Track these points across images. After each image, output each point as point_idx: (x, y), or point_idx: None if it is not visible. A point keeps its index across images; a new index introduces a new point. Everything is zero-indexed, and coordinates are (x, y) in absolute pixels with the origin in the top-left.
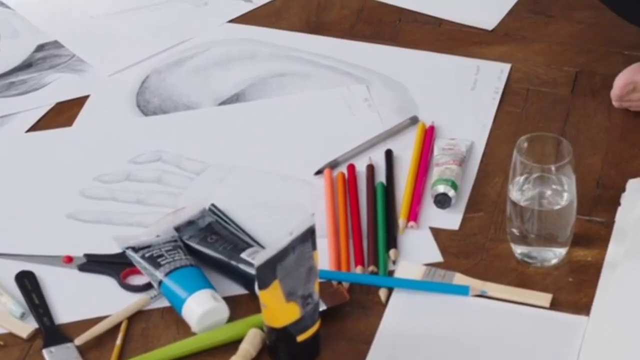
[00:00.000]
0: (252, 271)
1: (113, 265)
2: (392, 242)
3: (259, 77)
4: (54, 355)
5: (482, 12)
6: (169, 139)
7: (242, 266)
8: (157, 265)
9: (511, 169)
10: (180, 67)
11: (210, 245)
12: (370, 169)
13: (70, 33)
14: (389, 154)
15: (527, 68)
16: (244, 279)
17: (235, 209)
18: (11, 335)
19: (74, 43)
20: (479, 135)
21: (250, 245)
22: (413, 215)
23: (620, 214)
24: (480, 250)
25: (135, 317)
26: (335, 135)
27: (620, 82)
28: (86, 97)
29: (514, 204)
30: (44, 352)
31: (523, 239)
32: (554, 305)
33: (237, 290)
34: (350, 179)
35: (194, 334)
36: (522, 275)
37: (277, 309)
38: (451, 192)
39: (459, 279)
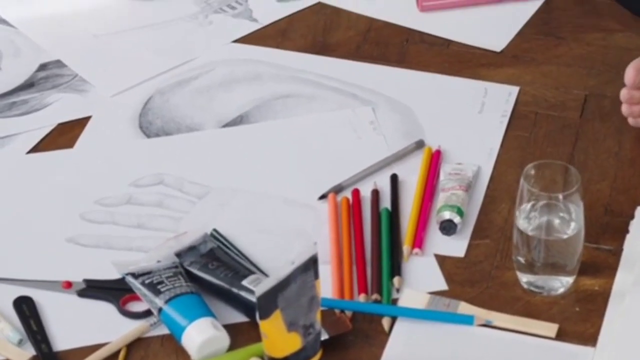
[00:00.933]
0: (254, 299)
1: (112, 291)
2: (396, 269)
3: (264, 98)
4: None
5: (490, 33)
6: (171, 162)
7: (243, 293)
8: (157, 292)
9: (518, 196)
10: (184, 88)
11: (211, 271)
12: (375, 194)
13: (73, 52)
14: (394, 179)
15: (535, 91)
16: (245, 307)
17: (237, 233)
18: None
19: (76, 62)
20: (486, 159)
21: (252, 272)
22: (418, 241)
23: (629, 242)
24: (485, 279)
25: (135, 345)
26: (340, 158)
27: (633, 67)
28: (88, 117)
29: (521, 233)
30: None
31: (529, 268)
32: (560, 336)
33: (238, 317)
34: (355, 204)
35: None
36: (528, 304)
37: (278, 339)
38: (457, 219)
39: (464, 308)
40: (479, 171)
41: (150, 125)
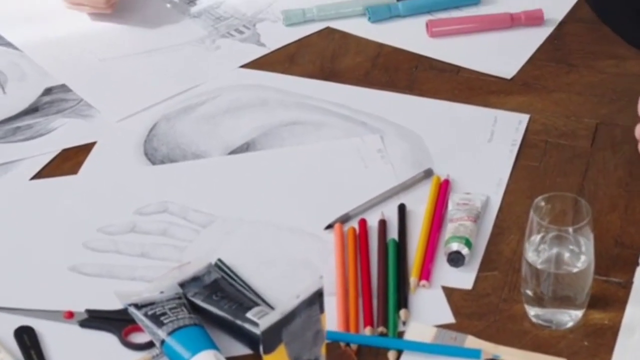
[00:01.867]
0: (258, 331)
1: (115, 322)
2: (402, 301)
3: (271, 125)
4: None
5: (501, 59)
6: (176, 189)
7: (247, 326)
8: (160, 324)
9: (527, 228)
10: (190, 114)
11: (215, 303)
12: (382, 224)
13: (79, 76)
14: (401, 209)
15: (545, 119)
16: (249, 339)
17: (242, 263)
18: None
19: (81, 87)
20: (495, 189)
21: (256, 304)
22: (425, 273)
23: (639, 275)
24: (493, 311)
25: None
26: (348, 187)
27: None
28: (93, 143)
29: (530, 265)
30: None
31: (538, 301)
32: None
33: (242, 350)
34: (362, 235)
35: None
36: (536, 338)
37: None
38: (465, 250)
39: (471, 341)
40: (487, 201)
41: (155, 152)
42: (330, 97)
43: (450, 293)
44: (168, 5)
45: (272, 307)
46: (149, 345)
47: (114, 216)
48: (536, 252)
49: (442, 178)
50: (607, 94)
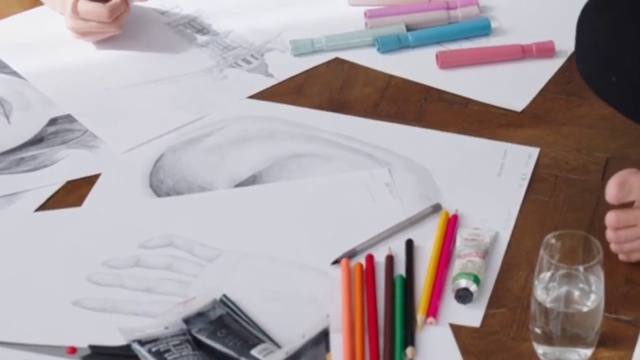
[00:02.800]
0: None
1: (118, 358)
2: (409, 339)
3: (278, 157)
4: None
5: (511, 92)
6: (182, 222)
7: None
8: None
9: (537, 265)
10: (197, 145)
11: (220, 339)
12: (390, 260)
13: (84, 106)
14: (409, 244)
15: (556, 153)
16: None
17: (247, 299)
18: None
19: (87, 117)
20: (504, 224)
21: (261, 341)
22: (433, 310)
23: None
24: (501, 350)
25: None
26: (355, 221)
27: (615, 181)
28: (97, 175)
29: (539, 304)
30: None
31: (547, 339)
32: None
33: None
34: (369, 270)
35: None
36: None
37: None
38: (473, 287)
39: None
40: (496, 237)
41: (161, 184)
42: (338, 129)
43: (458, 330)
44: (175, 34)
45: (277, 344)
46: None
47: (118, 249)
48: (545, 290)
49: (451, 213)
50: (618, 127)
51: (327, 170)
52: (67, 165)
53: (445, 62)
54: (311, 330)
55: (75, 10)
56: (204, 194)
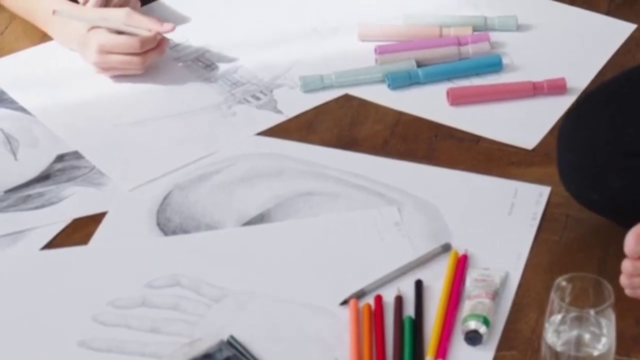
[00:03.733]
0: None
1: None
2: None
3: (286, 195)
4: None
5: (522, 130)
6: (189, 261)
7: None
8: None
9: (548, 308)
10: (204, 182)
11: None
12: (399, 300)
13: (91, 143)
14: (418, 285)
15: (567, 192)
16: None
17: (255, 340)
18: None
19: (94, 154)
20: (514, 265)
21: None
22: (442, 352)
23: None
24: None
25: None
26: (364, 261)
27: (634, 234)
28: (104, 213)
29: (550, 347)
30: None
31: None
32: None
33: None
34: (377, 311)
35: None
36: None
37: None
38: (482, 329)
39: None
40: (506, 277)
41: (168, 222)
42: (347, 167)
43: None
44: (184, 69)
45: None
46: None
47: (124, 289)
48: (556, 332)
49: (460, 252)
50: None
51: (336, 208)
52: (73, 202)
53: (456, 99)
54: None
55: (102, 44)
56: (211, 232)
